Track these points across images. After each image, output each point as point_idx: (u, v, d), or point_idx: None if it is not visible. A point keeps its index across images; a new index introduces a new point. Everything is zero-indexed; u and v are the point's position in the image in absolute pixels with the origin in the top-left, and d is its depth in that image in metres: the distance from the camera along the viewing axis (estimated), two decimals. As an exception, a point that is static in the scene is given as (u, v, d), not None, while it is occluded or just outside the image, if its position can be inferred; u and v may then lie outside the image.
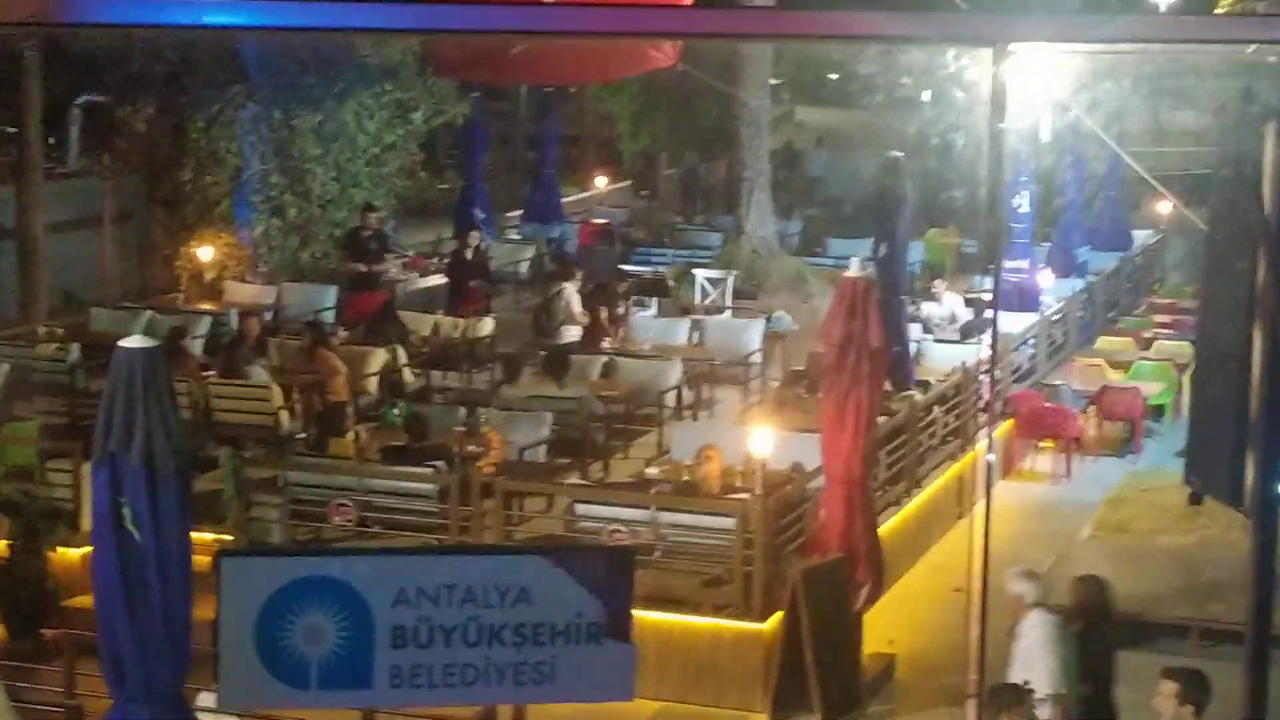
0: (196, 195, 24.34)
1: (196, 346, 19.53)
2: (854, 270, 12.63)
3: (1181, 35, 8.03)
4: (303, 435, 17.06)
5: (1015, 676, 9.21)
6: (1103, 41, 8.51)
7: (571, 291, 20.44)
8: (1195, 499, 7.67)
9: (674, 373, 18.94)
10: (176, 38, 21.58)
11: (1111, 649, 10.23)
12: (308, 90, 23.86)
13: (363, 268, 22.03)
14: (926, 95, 30.31)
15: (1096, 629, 10.07)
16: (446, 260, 24.39)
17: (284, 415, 17.09)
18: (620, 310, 21.66)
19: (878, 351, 12.55)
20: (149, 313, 21.03)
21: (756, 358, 20.81)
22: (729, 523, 13.01)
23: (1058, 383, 20.66)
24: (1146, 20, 10.01)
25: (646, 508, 13.31)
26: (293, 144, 23.92)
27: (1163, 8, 35.19)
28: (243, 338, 18.99)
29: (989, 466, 11.27)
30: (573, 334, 20.20)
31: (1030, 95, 21.86)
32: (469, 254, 23.19)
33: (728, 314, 23.04)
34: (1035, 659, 9.48)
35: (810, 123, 41.64)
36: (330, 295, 22.56)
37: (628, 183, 38.32)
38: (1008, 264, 22.68)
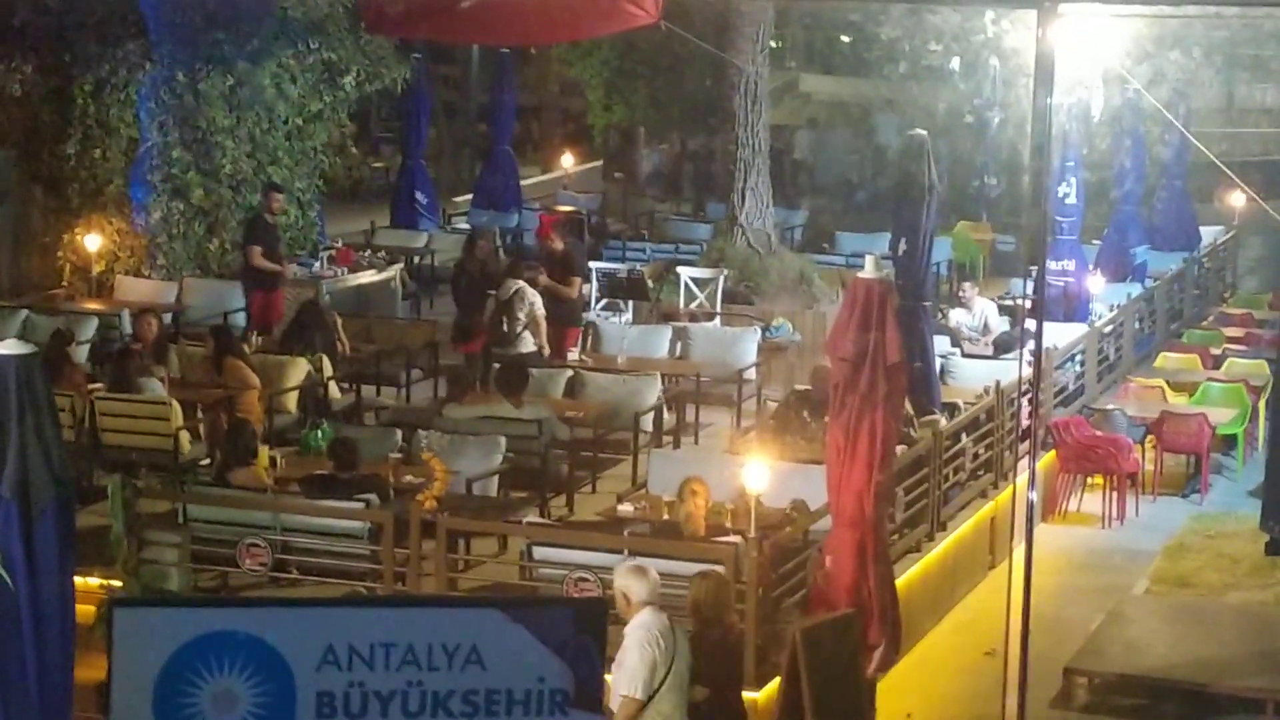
0: (83, 172, 24.31)
1: (82, 354, 19.47)
2: (868, 270, 12.64)
3: (1250, 1, 8.04)
4: (207, 461, 17.03)
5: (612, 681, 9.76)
6: (1166, 3, 8.52)
7: (532, 292, 20.45)
8: (1273, 547, 7.70)
9: (652, 391, 18.94)
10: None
11: (733, 650, 11.05)
12: (217, 48, 23.86)
13: (269, 262, 22.01)
14: (956, 64, 30.45)
15: (712, 629, 10.81)
16: (451, 274, 24.05)
17: (185, 437, 17.05)
18: (589, 315, 21.63)
19: (896, 368, 12.57)
20: (25, 312, 20.99)
21: (751, 374, 20.83)
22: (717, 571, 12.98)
23: (1110, 407, 20.72)
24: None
25: (619, 552, 13.30)
26: (199, 113, 23.92)
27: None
28: (137, 343, 18.94)
29: (1029, 506, 11.31)
30: (532, 343, 20.21)
31: (1081, 66, 21.99)
32: (478, 266, 22.44)
33: (717, 321, 23.07)
34: (624, 659, 10.00)
35: (819, 94, 41.72)
36: (241, 294, 22.53)
37: (599, 163, 38.42)
38: (1051, 265, 22.78)
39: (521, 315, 20.21)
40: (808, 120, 41.37)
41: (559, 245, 21.99)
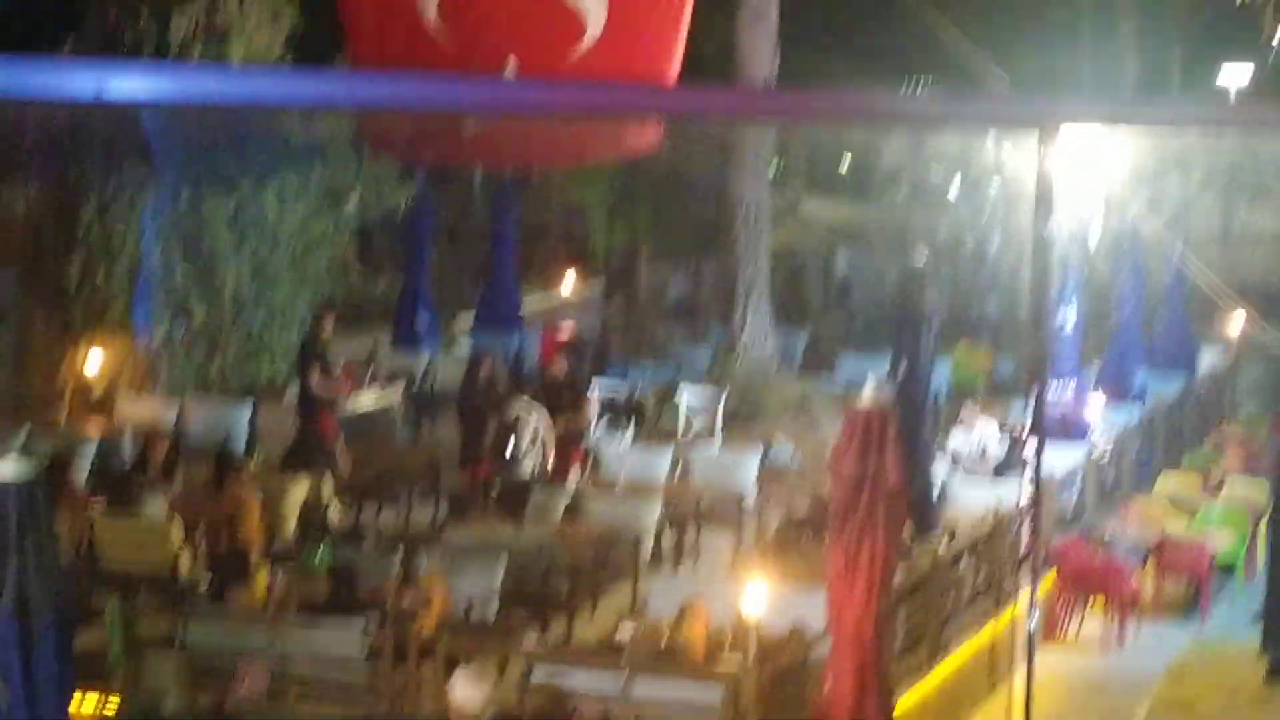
0: (86, 293, 24.39)
1: (82, 474, 19.48)
2: (869, 394, 12.71)
3: (1255, 121, 8.14)
4: (206, 582, 17.00)
5: None
6: (1163, 124, 8.61)
7: (538, 414, 20.44)
8: (1275, 673, 7.70)
9: (653, 512, 18.93)
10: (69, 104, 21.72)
11: None
12: (221, 170, 24.04)
13: (325, 384, 22.18)
14: (957, 187, 30.63)
15: None
16: (458, 392, 24.10)
17: (184, 558, 17.03)
18: (589, 437, 21.65)
19: (896, 491, 12.60)
20: (26, 432, 21.00)
21: (752, 496, 20.82)
22: (716, 695, 12.98)
23: (1110, 530, 20.72)
24: (1214, 104, 10.14)
25: (618, 675, 13.27)
26: (201, 234, 24.06)
27: (1233, 93, 35.71)
28: (145, 462, 18.95)
29: (1029, 629, 11.28)
30: (529, 466, 20.19)
31: (1082, 188, 22.14)
32: (481, 387, 22.54)
33: (718, 443, 23.08)
34: None
35: (820, 218, 41.98)
36: (243, 414, 22.57)
37: (600, 285, 38.51)
38: (1050, 387, 22.79)
39: (527, 437, 20.22)
40: (809, 243, 41.54)
41: (562, 368, 22.04)
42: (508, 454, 20.17)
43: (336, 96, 5.73)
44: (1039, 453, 12.30)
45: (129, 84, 5.36)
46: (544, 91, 6.12)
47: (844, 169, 39.10)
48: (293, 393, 23.41)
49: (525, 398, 20.69)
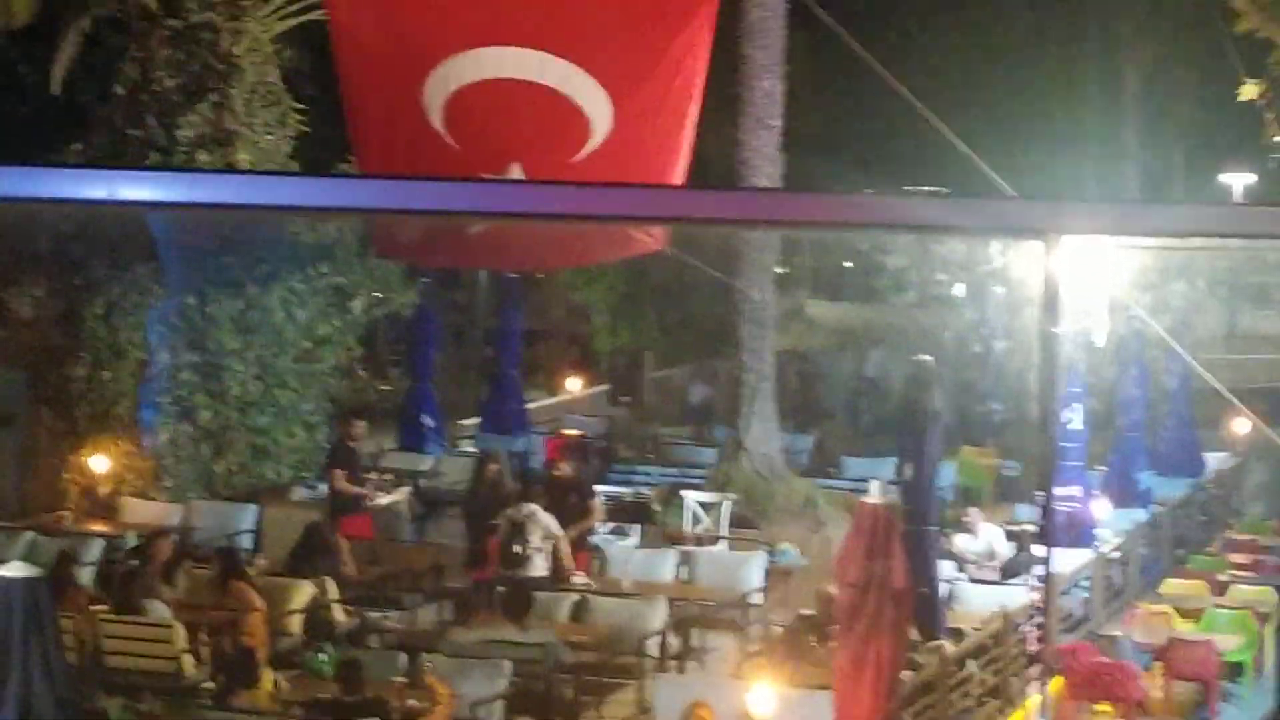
0: (91, 394, 24.44)
1: (86, 575, 19.44)
2: (874, 495, 12.71)
3: (1259, 229, 8.19)
4: (210, 684, 16.94)
5: None
6: (1169, 235, 8.66)
7: (546, 516, 20.39)
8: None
9: (658, 614, 18.88)
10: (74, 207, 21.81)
11: None
12: (227, 272, 24.15)
13: (354, 487, 22.42)
14: (962, 291, 30.73)
15: None
16: (464, 493, 24.10)
17: (188, 660, 16.98)
18: (594, 539, 21.63)
19: (902, 593, 12.58)
20: (31, 534, 20.99)
21: (757, 598, 20.77)
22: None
23: (1116, 633, 20.63)
24: (1218, 211, 10.21)
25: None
26: (207, 335, 24.15)
27: (1238, 191, 35.83)
28: (149, 563, 18.93)
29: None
30: (544, 567, 20.15)
31: (1087, 294, 22.18)
32: (487, 489, 22.54)
33: (723, 545, 23.05)
34: None
35: (824, 320, 42.09)
36: (248, 515, 22.58)
37: (605, 387, 38.57)
38: (1057, 490, 22.75)
39: (534, 538, 20.17)
40: (814, 344, 41.62)
41: (567, 470, 22.05)
42: (513, 555, 20.13)
43: (342, 201, 5.77)
44: (1049, 555, 12.30)
45: (138, 189, 5.42)
46: (553, 197, 6.16)
47: (849, 270, 39.22)
48: (299, 494, 23.49)
49: (531, 499, 20.67)
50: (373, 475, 25.09)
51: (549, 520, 20.31)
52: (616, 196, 6.37)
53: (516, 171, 16.53)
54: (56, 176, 5.56)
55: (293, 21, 26.17)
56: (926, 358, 19.29)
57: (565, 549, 20.12)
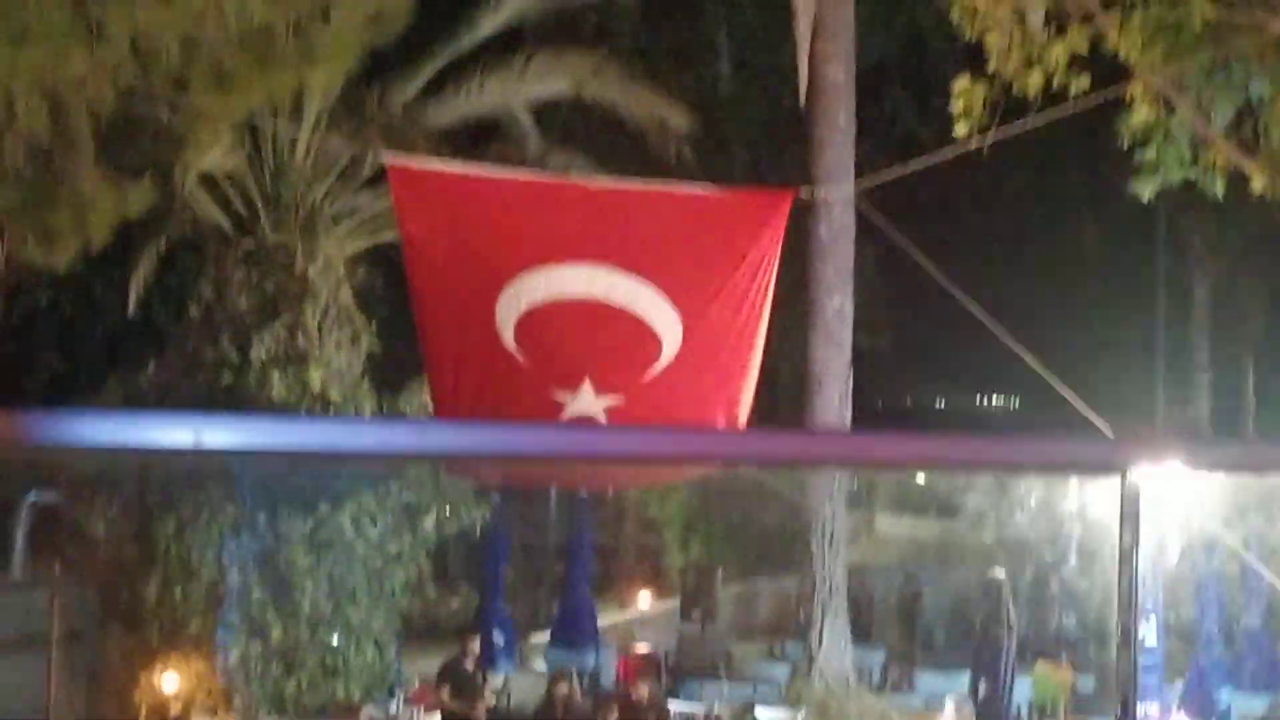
0: (163, 613, 24.41)
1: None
2: (949, 712, 12.50)
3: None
4: None
5: None
6: (1255, 472, 8.51)
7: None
8: None
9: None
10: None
11: None
12: (298, 491, 24.20)
13: (470, 708, 22.33)
14: (1035, 504, 30.46)
15: None
16: (536, 710, 24.05)
17: None
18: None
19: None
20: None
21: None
22: None
23: None
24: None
25: None
26: (278, 553, 24.15)
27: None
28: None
29: None
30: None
31: (1164, 511, 21.99)
32: (559, 708, 22.50)
33: (796, 762, 22.76)
34: None
35: (896, 534, 41.85)
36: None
37: (676, 602, 38.33)
38: (1136, 707, 22.38)
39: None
40: (886, 559, 41.32)
41: (639, 689, 21.86)
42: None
43: (421, 445, 5.77)
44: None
45: (221, 435, 5.46)
46: (621, 436, 6.13)
47: (920, 486, 39.04)
48: (369, 713, 23.28)
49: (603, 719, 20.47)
50: (485, 695, 25.05)
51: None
52: (685, 439, 6.31)
53: (587, 388, 16.59)
54: (143, 421, 5.60)
55: (366, 242, 26.50)
56: (999, 571, 19.11)
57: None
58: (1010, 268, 41.76)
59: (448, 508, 26.24)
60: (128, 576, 24.78)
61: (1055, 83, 17.00)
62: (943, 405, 62.29)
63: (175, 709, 23.59)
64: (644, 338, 16.77)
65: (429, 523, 25.84)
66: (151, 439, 5.27)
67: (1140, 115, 17.30)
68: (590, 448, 5.80)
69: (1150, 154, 17.72)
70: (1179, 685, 26.79)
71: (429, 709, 25.11)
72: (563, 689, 21.89)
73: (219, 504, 24.20)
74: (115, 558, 24.94)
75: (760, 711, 24.03)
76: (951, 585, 36.97)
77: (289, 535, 24.17)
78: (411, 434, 5.54)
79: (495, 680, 28.37)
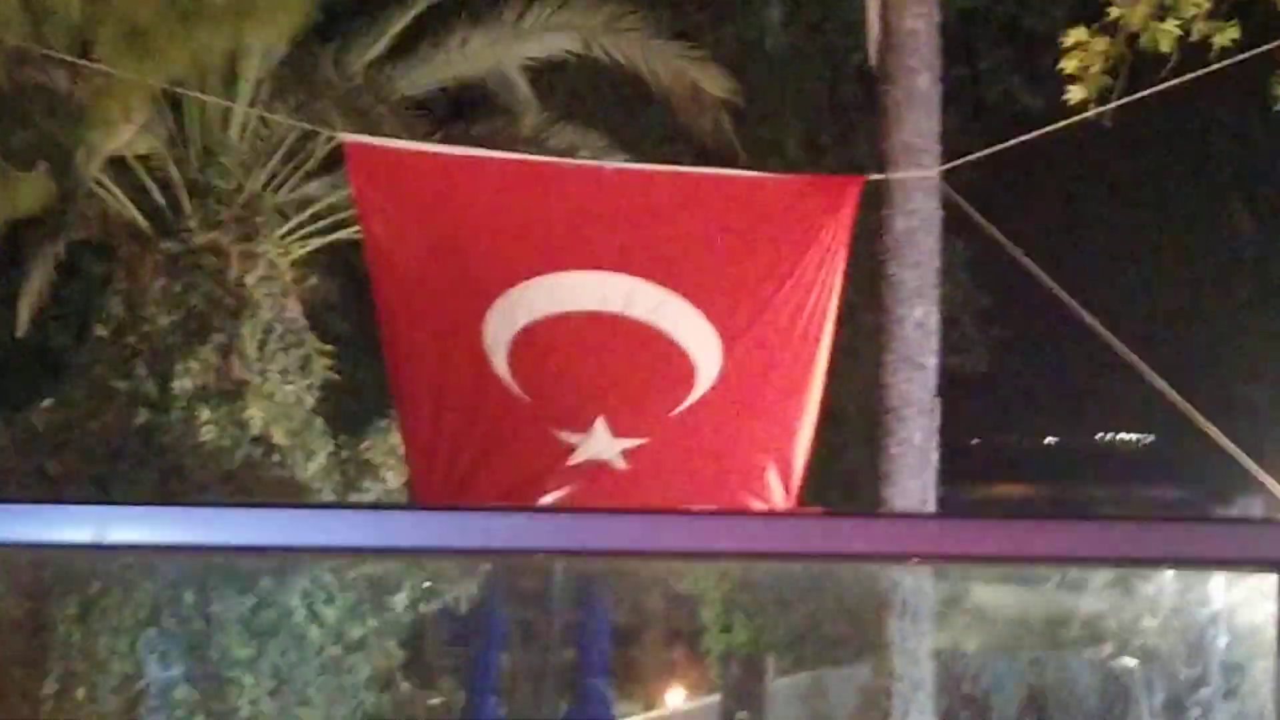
0: (62, 716, 24.33)
1: None
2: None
3: None
4: None
5: None
6: None
7: None
8: None
9: None
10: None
11: None
12: (235, 563, 24.14)
13: None
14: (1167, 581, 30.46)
15: None
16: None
17: None
18: None
19: None
20: None
21: None
22: None
23: None
24: None
25: None
26: (210, 641, 24.05)
27: None
28: None
29: None
30: None
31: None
32: None
33: None
34: None
35: (996, 609, 41.67)
36: None
37: (716, 698, 38.27)
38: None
39: None
40: (983, 641, 41.18)
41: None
42: None
43: (380, 540, 5.63)
44: None
45: (131, 530, 5.38)
46: (670, 527, 5.94)
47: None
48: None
49: None
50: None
51: None
52: (717, 527, 6.13)
53: (602, 428, 16.43)
54: (40, 516, 5.53)
55: (318, 242, 26.42)
56: (1129, 660, 18.96)
57: None
58: (1139, 269, 41.63)
59: (425, 581, 26.13)
60: (20, 673, 24.73)
61: (1195, 35, 16.87)
62: (1054, 443, 62.25)
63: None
64: (673, 362, 16.56)
65: (401, 601, 25.73)
66: (38, 535, 5.17)
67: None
68: (588, 541, 5.66)
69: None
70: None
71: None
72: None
73: (134, 580, 24.14)
74: (4, 650, 24.89)
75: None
76: (1068, 677, 36.85)
77: (223, 618, 24.07)
78: (371, 526, 5.38)
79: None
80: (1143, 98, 17.32)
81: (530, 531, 5.50)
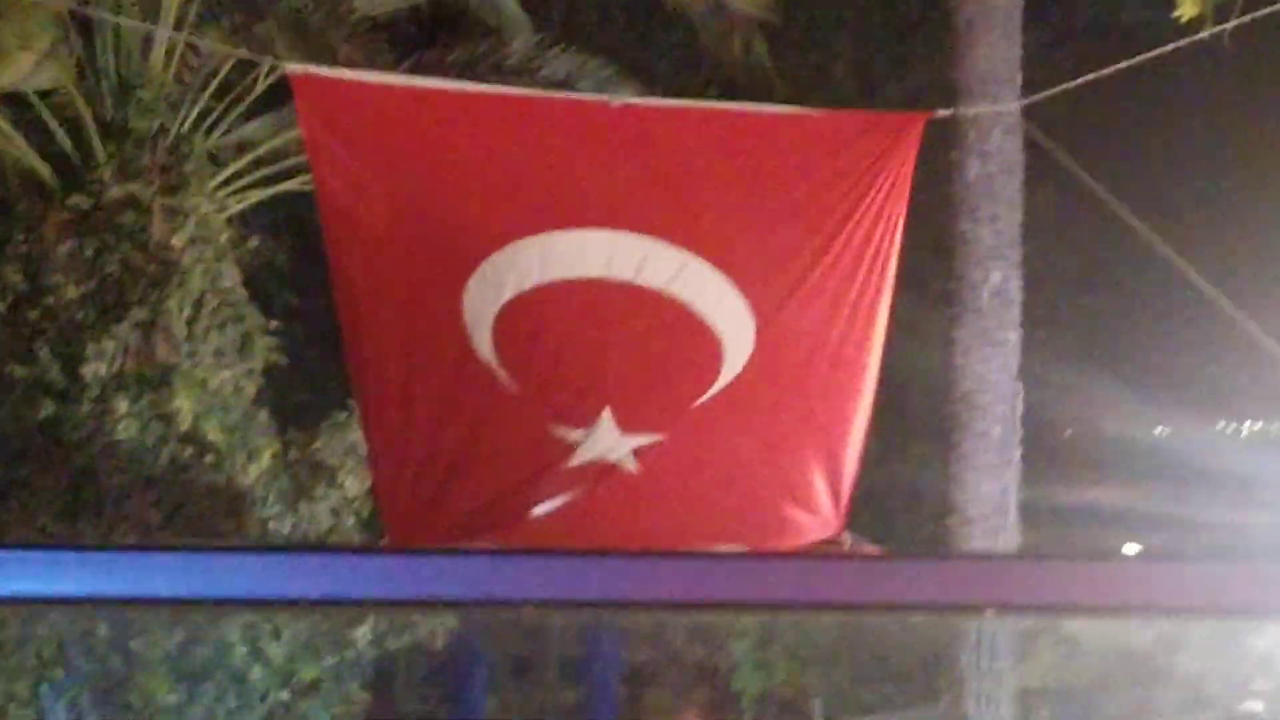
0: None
1: None
2: None
3: None
4: None
5: None
6: None
7: None
8: None
9: None
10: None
11: None
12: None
13: None
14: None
15: None
16: None
17: None
18: None
19: None
20: None
21: None
22: None
23: None
24: None
25: None
26: (131, 686, 24.09)
27: None
28: None
29: None
30: None
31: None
32: None
33: None
34: None
35: (1091, 642, 41.78)
36: None
37: (749, 747, 38.47)
38: None
39: None
40: (1072, 679, 41.36)
41: None
42: None
43: (338, 588, 5.60)
44: None
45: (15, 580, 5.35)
46: (712, 572, 5.88)
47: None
48: None
49: None
50: None
51: None
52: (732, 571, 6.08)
53: (608, 421, 16.36)
54: None
55: (260, 194, 26.37)
56: (1255, 705, 18.98)
57: None
58: (1267, 227, 41.59)
59: (393, 614, 26.17)
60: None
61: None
62: (1163, 435, 62.28)
63: None
64: (696, 341, 16.44)
65: (364, 635, 25.74)
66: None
67: None
68: (593, 590, 5.62)
69: None
70: None
71: None
72: None
73: (36, 612, 24.18)
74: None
75: None
76: (1168, 708, 37.03)
77: (145, 657, 24.11)
78: (319, 573, 5.32)
79: None
80: (1273, 13, 17.27)
81: (517, 577, 5.44)
